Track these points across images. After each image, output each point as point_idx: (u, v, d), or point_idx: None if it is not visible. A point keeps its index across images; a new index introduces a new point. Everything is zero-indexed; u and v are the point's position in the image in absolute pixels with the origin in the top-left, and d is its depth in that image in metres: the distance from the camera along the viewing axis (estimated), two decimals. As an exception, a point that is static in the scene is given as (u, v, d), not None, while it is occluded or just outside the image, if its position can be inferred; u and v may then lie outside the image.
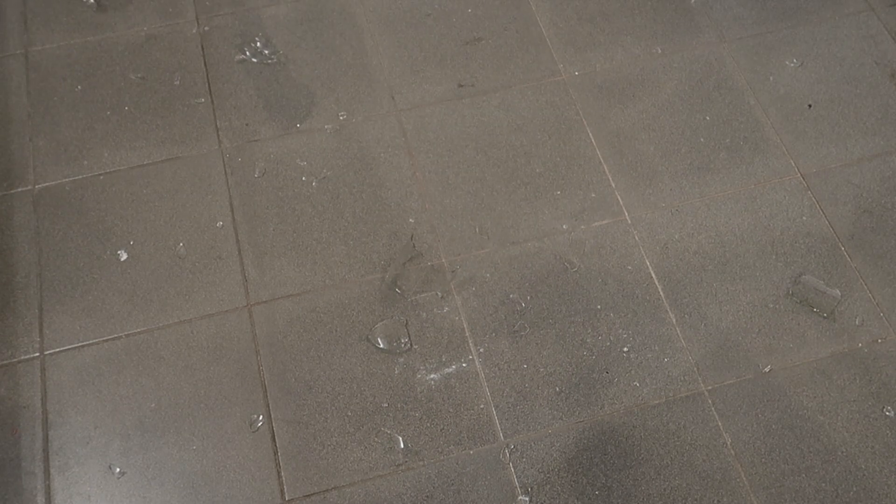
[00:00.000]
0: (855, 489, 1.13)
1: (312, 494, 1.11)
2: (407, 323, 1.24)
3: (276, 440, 1.15)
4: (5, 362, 1.19)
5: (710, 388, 1.20)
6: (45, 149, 1.38)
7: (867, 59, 1.52)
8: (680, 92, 1.47)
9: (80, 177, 1.36)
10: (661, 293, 1.27)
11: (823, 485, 1.13)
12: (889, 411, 1.17)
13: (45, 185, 1.35)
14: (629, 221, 1.33)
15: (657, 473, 1.14)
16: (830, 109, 1.46)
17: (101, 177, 1.36)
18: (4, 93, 1.44)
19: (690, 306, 1.26)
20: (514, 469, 1.13)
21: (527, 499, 1.11)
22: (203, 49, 1.49)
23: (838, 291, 1.18)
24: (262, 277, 1.27)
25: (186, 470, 1.12)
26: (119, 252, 1.29)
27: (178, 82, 1.46)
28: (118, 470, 1.12)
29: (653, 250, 1.31)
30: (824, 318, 1.21)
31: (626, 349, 1.22)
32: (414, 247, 1.30)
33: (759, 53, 1.52)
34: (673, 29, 1.55)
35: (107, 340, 1.21)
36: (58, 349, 1.21)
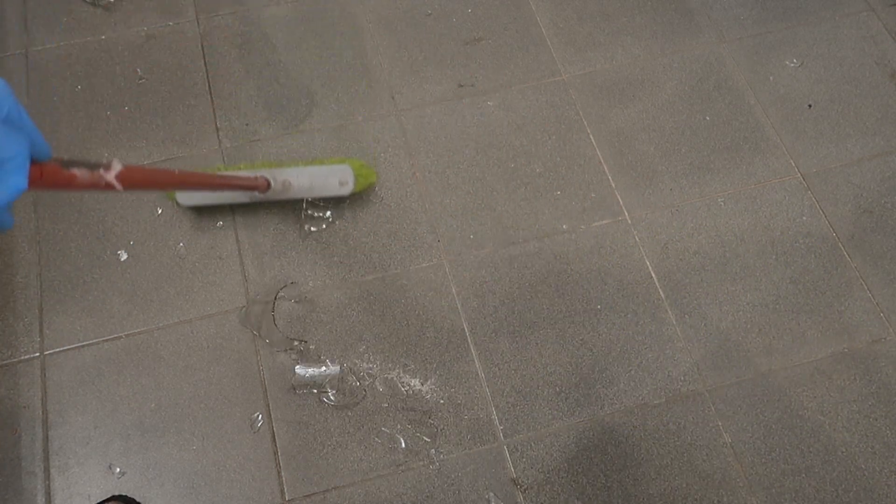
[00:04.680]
0: (855, 489, 1.13)
1: (312, 494, 1.11)
2: (407, 323, 1.23)
3: (276, 440, 1.15)
4: (5, 362, 1.19)
5: (710, 388, 1.20)
6: (45, 149, 1.38)
7: (867, 59, 1.52)
8: (680, 92, 1.47)
9: (80, 177, 1.35)
10: (661, 293, 1.27)
11: (823, 485, 1.13)
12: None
13: (45, 185, 1.35)
14: (629, 221, 1.33)
15: (657, 473, 1.14)
16: (830, 109, 1.46)
17: (101, 177, 1.36)
18: (4, 93, 1.44)
19: (690, 306, 1.26)
20: (514, 469, 1.13)
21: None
22: (203, 49, 1.49)
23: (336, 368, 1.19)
24: (261, 277, 1.27)
25: (186, 470, 1.12)
26: (119, 252, 1.29)
27: (178, 82, 1.46)
28: (118, 470, 1.12)
29: (653, 250, 1.31)
30: (334, 396, 1.17)
31: (626, 349, 1.22)
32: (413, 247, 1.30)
33: (759, 53, 1.52)
34: (673, 29, 1.55)
35: (107, 340, 1.21)
36: (58, 349, 1.21)
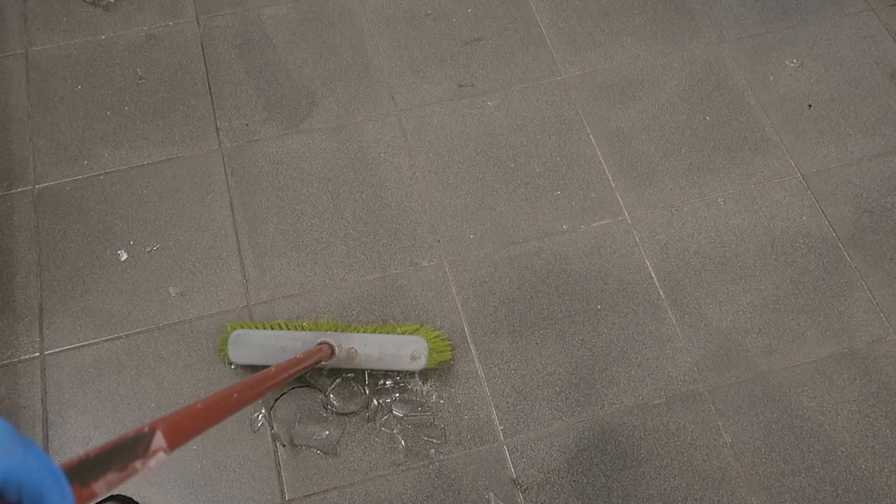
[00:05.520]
0: (855, 489, 1.13)
1: (312, 494, 1.11)
2: (407, 323, 1.23)
3: (276, 440, 1.15)
4: (5, 362, 1.19)
5: (710, 388, 1.20)
6: (45, 149, 1.38)
7: (867, 59, 1.52)
8: (680, 92, 1.47)
9: (80, 177, 1.36)
10: (661, 293, 1.27)
11: (823, 485, 1.13)
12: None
13: (45, 185, 1.35)
14: (629, 221, 1.33)
15: (657, 473, 1.14)
16: (830, 109, 1.46)
17: (101, 177, 1.36)
18: (4, 93, 1.44)
19: (690, 306, 1.26)
20: (514, 469, 1.13)
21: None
22: (203, 49, 1.49)
23: (337, 431, 1.12)
24: (262, 277, 1.27)
25: (186, 470, 1.12)
26: (119, 252, 1.29)
27: (178, 82, 1.46)
28: (118, 470, 1.12)
29: (653, 250, 1.31)
30: (326, 455, 1.13)
31: (626, 349, 1.22)
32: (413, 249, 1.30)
33: (759, 53, 1.52)
34: (673, 29, 1.55)
35: (107, 340, 1.21)
36: (58, 349, 1.21)
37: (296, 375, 0.95)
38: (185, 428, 0.57)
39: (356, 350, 1.12)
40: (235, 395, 0.71)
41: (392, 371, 1.17)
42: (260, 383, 0.81)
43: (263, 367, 1.13)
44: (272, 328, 1.18)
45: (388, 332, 1.17)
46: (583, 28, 1.55)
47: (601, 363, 1.21)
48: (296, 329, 1.17)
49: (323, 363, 1.10)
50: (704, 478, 1.13)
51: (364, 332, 1.16)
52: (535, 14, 1.56)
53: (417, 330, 1.17)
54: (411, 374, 1.19)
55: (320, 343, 1.10)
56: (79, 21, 1.53)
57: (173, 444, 0.53)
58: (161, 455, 0.51)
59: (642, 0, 1.58)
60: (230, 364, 1.18)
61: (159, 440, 0.51)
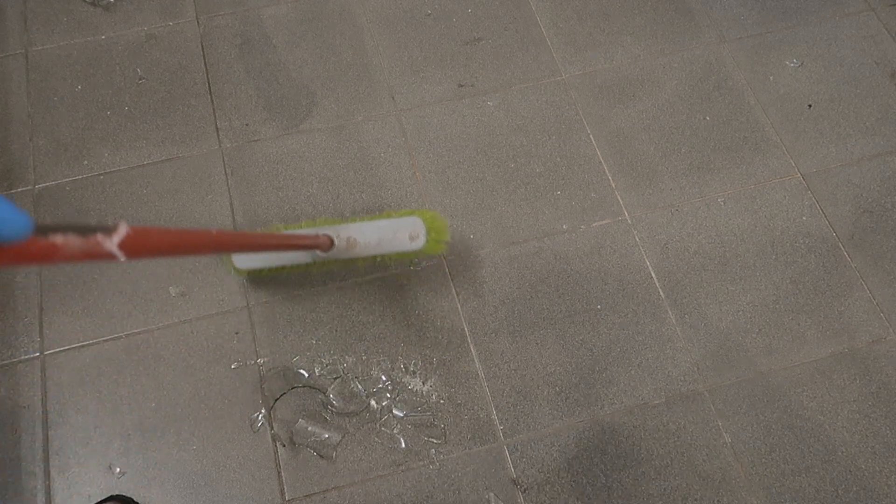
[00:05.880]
0: (855, 489, 1.13)
1: (312, 494, 1.11)
2: (407, 323, 1.23)
3: (276, 440, 1.15)
4: (5, 362, 1.19)
5: (710, 388, 1.20)
6: (45, 149, 1.38)
7: (867, 59, 1.52)
8: (680, 92, 1.47)
9: (80, 177, 1.36)
10: (661, 293, 1.27)
11: (823, 485, 1.13)
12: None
13: (45, 185, 1.35)
14: (629, 221, 1.33)
15: (657, 473, 1.14)
16: (830, 109, 1.46)
17: (101, 177, 1.36)
18: (4, 93, 1.44)
19: (690, 306, 1.26)
20: (514, 469, 1.13)
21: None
22: (203, 49, 1.49)
23: (337, 435, 1.12)
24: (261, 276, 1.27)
25: (186, 470, 1.12)
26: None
27: (178, 82, 1.46)
28: (118, 470, 1.12)
29: (653, 250, 1.31)
30: (322, 458, 1.13)
31: (626, 349, 1.22)
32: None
33: (759, 53, 1.52)
34: (673, 29, 1.55)
35: (107, 340, 1.21)
36: (58, 349, 1.21)
37: (287, 248, 0.98)
38: (153, 237, 0.57)
39: (355, 238, 1.13)
40: (215, 233, 0.69)
41: (393, 256, 1.17)
42: (247, 236, 0.80)
43: (270, 269, 1.19)
44: (272, 231, 1.19)
45: (385, 219, 1.18)
46: (583, 28, 1.55)
47: (601, 363, 1.21)
48: (295, 229, 1.18)
49: (322, 254, 1.11)
50: (704, 478, 1.14)
51: (361, 222, 1.17)
52: (535, 14, 1.56)
53: (413, 213, 1.17)
54: (412, 374, 1.19)
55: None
56: (79, 21, 1.53)
57: (138, 243, 0.53)
58: (124, 231, 0.51)
59: (642, 0, 1.58)
60: (237, 273, 1.20)
61: (124, 228, 0.52)
